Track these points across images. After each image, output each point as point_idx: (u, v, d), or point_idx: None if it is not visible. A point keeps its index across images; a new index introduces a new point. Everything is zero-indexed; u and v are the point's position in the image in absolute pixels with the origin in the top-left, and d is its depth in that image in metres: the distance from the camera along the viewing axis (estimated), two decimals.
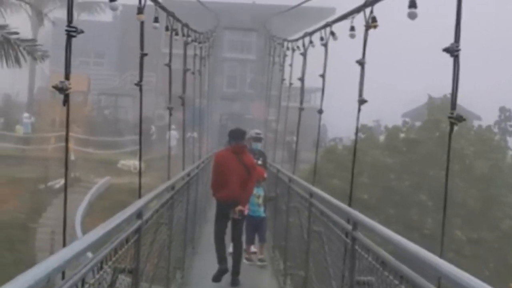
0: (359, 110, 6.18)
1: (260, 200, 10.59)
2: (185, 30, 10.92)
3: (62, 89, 4.24)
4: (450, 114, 3.88)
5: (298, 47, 12.53)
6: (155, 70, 34.76)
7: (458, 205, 22.00)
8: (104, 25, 47.84)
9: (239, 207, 8.84)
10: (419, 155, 24.57)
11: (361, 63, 6.03)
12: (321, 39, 9.15)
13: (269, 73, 24.61)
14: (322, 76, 8.70)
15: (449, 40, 4.52)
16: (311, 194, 7.45)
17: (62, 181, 29.26)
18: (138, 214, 5.26)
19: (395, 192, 23.53)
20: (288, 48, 14.98)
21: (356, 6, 6.72)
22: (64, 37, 4.68)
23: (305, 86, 11.08)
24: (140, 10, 6.80)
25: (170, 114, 8.71)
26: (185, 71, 10.74)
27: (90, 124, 39.04)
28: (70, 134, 20.71)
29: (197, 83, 18.03)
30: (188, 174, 10.31)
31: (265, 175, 11.11)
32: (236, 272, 9.03)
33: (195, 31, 13.11)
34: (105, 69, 48.32)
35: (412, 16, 5.16)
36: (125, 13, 48.61)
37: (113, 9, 6.30)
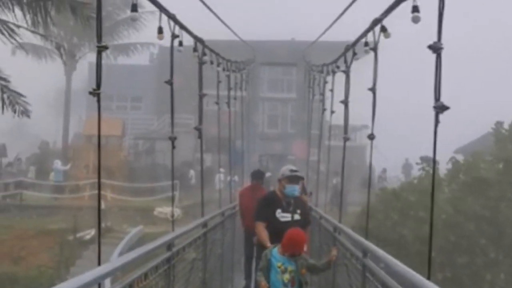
0: (436, 122, 3.97)
1: (287, 277, 6.52)
2: (201, 48, 8.93)
3: None
4: None
5: (338, 67, 10.47)
6: (194, 112, 33.13)
7: None
8: (140, 68, 46.83)
9: None
10: (491, 197, 21.45)
11: (436, 48, 3.88)
12: (366, 44, 7.12)
13: (309, 109, 22.49)
14: (372, 89, 6.58)
15: None
16: (365, 252, 5.25)
17: (93, 232, 27.52)
18: (169, 246, 5.72)
19: (464, 242, 20.50)
20: (328, 73, 12.90)
21: None
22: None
23: (349, 124, 9.75)
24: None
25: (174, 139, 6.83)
26: (201, 96, 8.75)
27: (126, 170, 37.46)
28: (105, 181, 19.65)
29: (233, 121, 16.38)
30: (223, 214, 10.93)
31: (306, 246, 6.73)
32: None
33: (217, 54, 11.14)
34: (142, 112, 47.04)
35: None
36: (162, 55, 47.60)
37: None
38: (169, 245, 5.66)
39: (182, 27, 7.48)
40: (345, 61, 8.91)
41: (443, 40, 4.22)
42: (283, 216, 7.60)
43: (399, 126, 46.99)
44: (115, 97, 47.07)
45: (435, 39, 4.24)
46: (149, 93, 45.08)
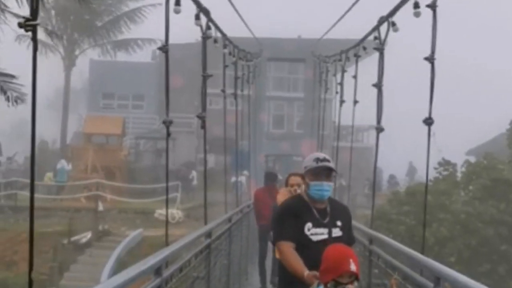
0: None
1: None
2: (205, 20, 7.47)
3: None
4: None
5: (365, 48, 9.00)
6: (197, 111, 31.53)
7: None
8: (142, 65, 45.37)
9: None
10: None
11: None
12: (416, 5, 5.67)
13: (320, 106, 21.02)
14: (430, 59, 5.09)
15: None
16: (438, 280, 3.75)
17: (89, 235, 26.07)
18: (157, 270, 4.24)
19: (483, 246, 19.16)
20: (348, 59, 11.42)
21: None
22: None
23: (356, 125, 8.69)
24: None
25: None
26: (205, 77, 7.30)
27: (126, 170, 35.99)
28: (103, 181, 18.79)
29: (239, 118, 14.97)
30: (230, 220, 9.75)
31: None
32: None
33: (223, 34, 9.67)
34: (144, 111, 45.58)
35: None
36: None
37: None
38: (157, 269, 4.18)
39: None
40: (378, 37, 7.42)
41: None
42: (315, 232, 4.88)
43: (402, 129, 45.56)
44: (116, 95, 45.70)
45: None
46: (151, 92, 43.63)
